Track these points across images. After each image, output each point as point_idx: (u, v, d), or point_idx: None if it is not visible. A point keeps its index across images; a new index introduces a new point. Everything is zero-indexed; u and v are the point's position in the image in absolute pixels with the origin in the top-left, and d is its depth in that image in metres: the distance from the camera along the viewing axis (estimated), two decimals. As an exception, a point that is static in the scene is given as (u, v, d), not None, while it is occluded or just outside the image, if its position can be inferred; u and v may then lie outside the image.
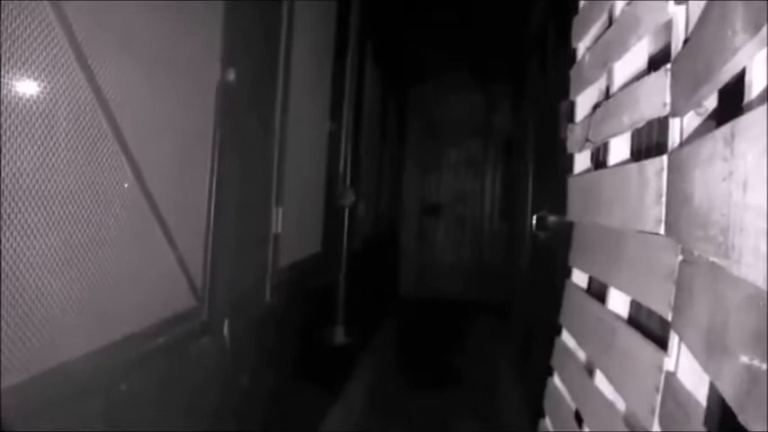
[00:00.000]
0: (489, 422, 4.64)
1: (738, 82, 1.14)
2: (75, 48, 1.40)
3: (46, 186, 1.34)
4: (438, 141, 9.20)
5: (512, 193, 7.42)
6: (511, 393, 5.05)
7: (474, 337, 7.10)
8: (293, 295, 3.36)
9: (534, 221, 3.99)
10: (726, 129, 1.05)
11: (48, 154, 1.34)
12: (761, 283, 0.91)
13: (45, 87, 1.33)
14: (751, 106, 1.04)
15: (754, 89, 1.04)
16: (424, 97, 9.07)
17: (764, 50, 1.00)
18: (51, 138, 1.35)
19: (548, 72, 4.58)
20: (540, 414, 2.88)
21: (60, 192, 1.39)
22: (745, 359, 0.98)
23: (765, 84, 1.02)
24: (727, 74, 1.13)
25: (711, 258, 1.12)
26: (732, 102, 1.17)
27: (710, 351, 1.14)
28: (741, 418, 0.97)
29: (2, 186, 1.19)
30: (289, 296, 3.23)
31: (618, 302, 1.98)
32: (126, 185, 1.67)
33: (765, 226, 0.89)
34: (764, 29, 0.91)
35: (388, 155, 7.64)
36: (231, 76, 2.27)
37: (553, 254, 3.60)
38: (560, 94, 3.16)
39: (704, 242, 1.15)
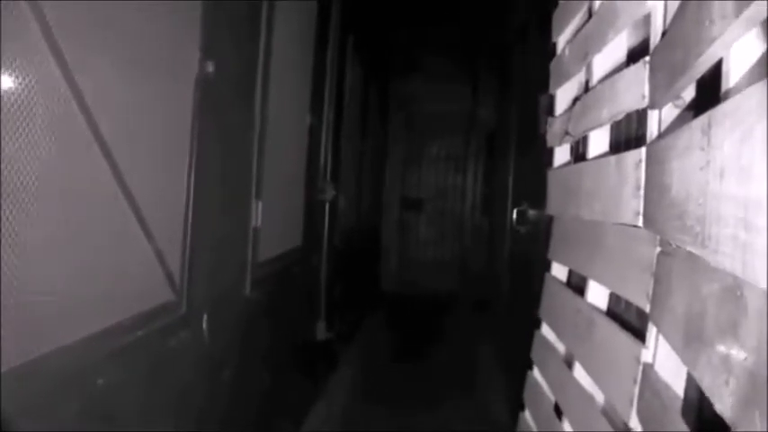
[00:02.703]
0: (469, 416, 4.65)
1: (716, 73, 1.14)
2: (50, 40, 1.37)
3: (20, 179, 1.31)
4: (420, 135, 9.18)
5: (493, 188, 7.43)
6: (492, 387, 5.07)
7: (455, 332, 7.11)
8: (274, 289, 3.34)
9: (515, 215, 4.00)
10: (703, 118, 1.05)
11: (22, 147, 1.31)
12: (738, 273, 0.91)
13: (19, 81, 1.31)
14: (728, 96, 1.04)
15: (731, 79, 1.05)
16: (406, 91, 9.04)
17: (741, 40, 1.00)
18: (26, 131, 1.32)
19: (529, 66, 4.59)
20: (520, 407, 2.89)
21: (35, 185, 1.36)
22: (722, 349, 0.98)
23: (742, 73, 1.03)
24: (704, 65, 1.14)
25: (688, 249, 1.12)
26: (709, 93, 1.18)
27: (688, 341, 1.15)
28: (718, 408, 0.98)
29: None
30: (269, 290, 3.21)
31: (597, 295, 1.99)
32: (102, 178, 1.64)
33: (743, 215, 0.89)
34: (741, 18, 0.92)
35: (370, 149, 7.62)
36: (210, 67, 2.24)
37: (533, 247, 3.61)
38: (542, 88, 3.16)
39: (681, 233, 1.16)
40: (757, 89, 0.87)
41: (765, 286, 0.84)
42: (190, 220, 2.16)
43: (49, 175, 1.41)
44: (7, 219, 1.27)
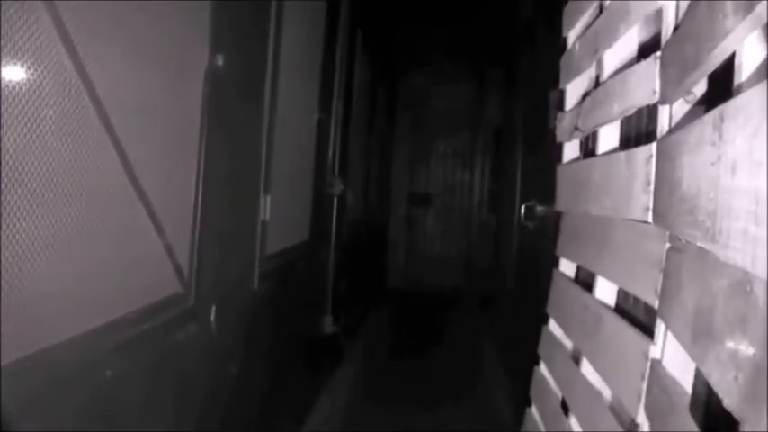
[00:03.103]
0: (476, 411, 4.66)
1: (727, 68, 1.14)
2: (62, 33, 1.38)
3: (32, 172, 1.32)
4: (428, 132, 9.16)
5: (500, 184, 7.43)
6: (498, 384, 5.07)
7: (462, 328, 7.11)
8: (281, 283, 3.35)
9: (523, 211, 3.99)
10: (715, 113, 1.05)
11: (34, 140, 1.32)
12: (748, 267, 0.91)
13: (32, 73, 1.31)
14: (740, 90, 1.04)
15: (743, 73, 1.04)
16: (413, 87, 9.03)
17: (754, 33, 1.00)
18: (38, 124, 1.33)
19: (537, 62, 4.58)
20: (527, 402, 2.89)
21: (47, 178, 1.37)
22: (731, 344, 0.98)
23: (755, 67, 1.02)
24: (716, 59, 1.13)
25: (699, 244, 1.12)
26: (721, 87, 1.17)
27: (697, 337, 1.15)
28: (726, 403, 0.97)
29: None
30: (277, 283, 3.22)
31: (605, 291, 1.99)
32: (112, 170, 1.65)
33: (754, 208, 0.89)
34: (755, 11, 0.91)
35: (378, 144, 7.62)
36: (219, 61, 2.25)
37: (541, 243, 3.61)
38: (550, 84, 3.16)
39: (692, 228, 1.15)
40: (770, 83, 0.87)
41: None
42: (199, 213, 2.17)
43: (59, 166, 1.41)
44: (18, 210, 1.28)
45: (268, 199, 2.95)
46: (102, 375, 1.61)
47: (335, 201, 4.86)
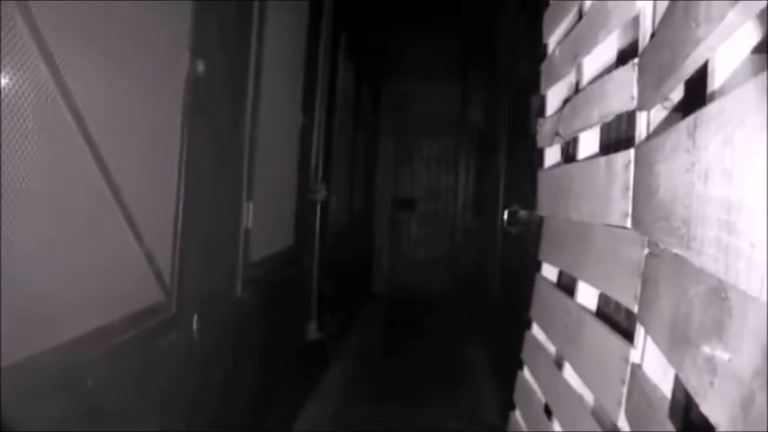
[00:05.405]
0: (461, 417, 4.66)
1: (703, 75, 1.15)
2: (38, 39, 1.37)
3: (10, 181, 1.31)
4: (412, 135, 9.15)
5: (484, 188, 7.44)
6: (483, 387, 5.08)
7: (448, 332, 7.12)
8: (265, 290, 3.34)
9: (506, 216, 4.00)
10: (689, 120, 1.06)
11: (10, 148, 1.30)
12: (721, 275, 0.91)
13: (8, 81, 1.30)
14: (714, 97, 1.05)
15: (716, 80, 1.05)
16: (398, 91, 9.02)
17: (727, 42, 1.01)
18: (14, 131, 1.31)
19: (521, 66, 4.60)
20: (511, 407, 2.90)
21: (25, 186, 1.36)
22: (707, 350, 0.98)
23: (727, 75, 1.03)
24: (690, 67, 1.14)
25: (675, 250, 1.12)
26: (697, 94, 1.18)
27: (674, 342, 1.15)
28: (703, 409, 0.98)
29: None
30: (260, 291, 3.21)
31: (586, 296, 2.00)
32: (91, 179, 1.64)
33: (725, 217, 0.89)
34: (726, 20, 0.92)
35: (362, 149, 7.62)
36: (200, 67, 2.24)
37: (524, 248, 3.62)
38: (532, 90, 3.17)
39: (668, 234, 1.16)
40: (741, 92, 0.88)
41: (748, 288, 0.84)
42: (180, 221, 2.16)
43: (37, 175, 1.40)
44: (-4, 220, 1.26)
45: (251, 205, 2.94)
46: (82, 386, 1.60)
47: (319, 206, 4.84)
